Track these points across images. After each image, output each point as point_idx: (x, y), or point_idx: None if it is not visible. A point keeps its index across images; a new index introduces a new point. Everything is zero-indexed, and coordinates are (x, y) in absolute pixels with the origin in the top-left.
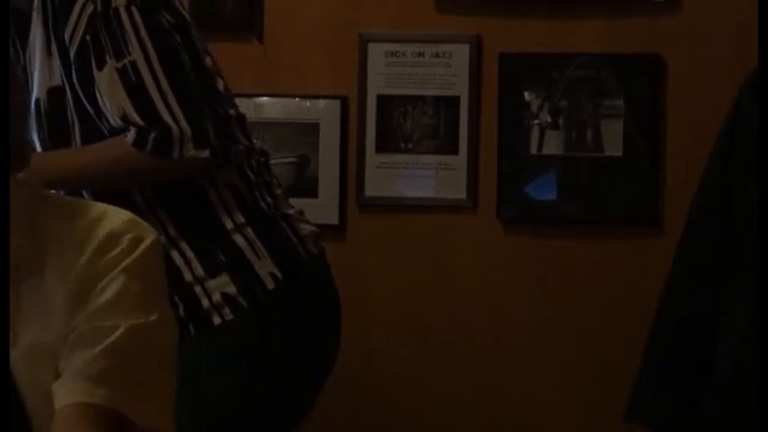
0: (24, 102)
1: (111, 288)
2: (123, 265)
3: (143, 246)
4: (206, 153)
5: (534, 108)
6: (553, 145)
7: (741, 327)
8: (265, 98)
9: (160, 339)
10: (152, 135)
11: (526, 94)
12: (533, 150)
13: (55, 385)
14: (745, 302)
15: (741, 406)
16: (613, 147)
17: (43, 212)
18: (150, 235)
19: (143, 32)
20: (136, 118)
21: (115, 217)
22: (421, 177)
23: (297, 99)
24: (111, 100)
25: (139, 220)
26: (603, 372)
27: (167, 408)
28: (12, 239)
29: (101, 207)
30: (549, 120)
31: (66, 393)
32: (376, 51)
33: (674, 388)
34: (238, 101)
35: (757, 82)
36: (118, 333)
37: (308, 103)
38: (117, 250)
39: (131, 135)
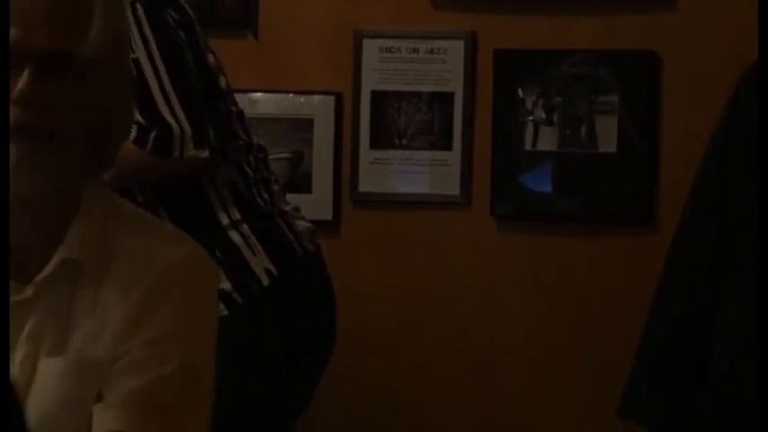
0: (131, 114)
1: (169, 318)
2: (184, 296)
3: (205, 280)
4: (206, 153)
5: (529, 104)
6: (547, 141)
7: (738, 324)
8: (260, 94)
9: (207, 377)
10: (153, 134)
11: (520, 91)
12: (528, 146)
13: (97, 407)
14: (741, 300)
15: (738, 404)
16: (608, 143)
17: (115, 221)
18: (212, 268)
19: (147, 29)
20: (137, 116)
21: (182, 243)
22: (415, 173)
23: (291, 95)
24: None
25: (203, 250)
26: (599, 369)
27: None
28: (80, 242)
29: (169, 230)
30: (544, 116)
31: (109, 418)
32: (371, 47)
33: (669, 385)
34: (234, 96)
35: (757, 80)
36: (170, 367)
37: (303, 99)
38: (180, 280)
39: (132, 133)
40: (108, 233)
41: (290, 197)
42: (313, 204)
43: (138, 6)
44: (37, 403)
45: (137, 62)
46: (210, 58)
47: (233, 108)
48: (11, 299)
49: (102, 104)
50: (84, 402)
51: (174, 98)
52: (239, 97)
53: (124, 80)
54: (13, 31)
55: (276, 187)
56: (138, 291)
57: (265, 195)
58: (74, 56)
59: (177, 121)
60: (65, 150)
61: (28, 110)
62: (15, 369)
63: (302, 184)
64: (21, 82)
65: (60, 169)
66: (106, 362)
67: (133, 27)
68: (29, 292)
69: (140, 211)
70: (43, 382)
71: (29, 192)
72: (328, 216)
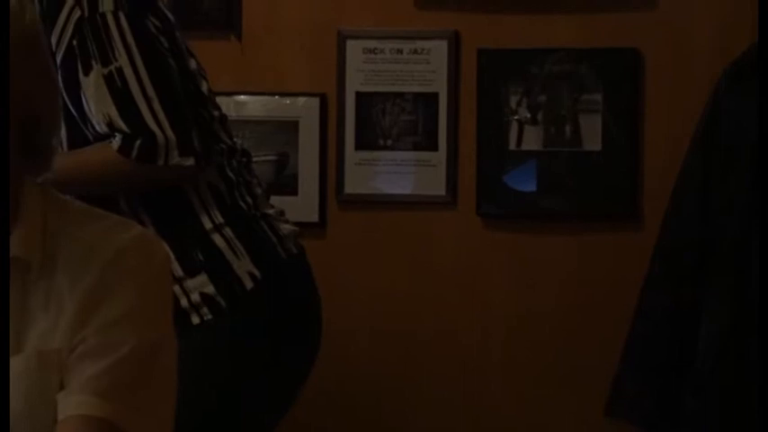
0: (55, 105)
1: (121, 302)
2: (134, 279)
3: (154, 261)
4: (191, 161)
5: (513, 104)
6: (532, 140)
7: (722, 320)
8: (244, 96)
9: (166, 357)
10: (137, 142)
11: (505, 90)
12: (512, 146)
13: (60, 395)
14: (725, 296)
15: (724, 400)
16: (592, 141)
17: (57, 216)
18: (161, 251)
19: (129, 39)
20: (121, 125)
21: (128, 230)
22: (400, 174)
23: (275, 97)
24: (97, 106)
25: (151, 234)
26: (589, 367)
27: (168, 427)
28: (24, 240)
29: (114, 218)
30: (528, 115)
31: (72, 405)
32: (354, 48)
33: (655, 382)
34: (218, 99)
35: (757, 80)
36: (126, 348)
37: (287, 101)
38: (129, 264)
39: (117, 142)
40: (52, 229)
41: (275, 199)
42: (299, 206)
43: (121, 15)
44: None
45: (120, 71)
46: (192, 63)
47: (215, 113)
48: None
49: (19, 104)
50: (49, 394)
51: (158, 106)
52: (223, 100)
53: (41, 79)
54: None
55: (259, 190)
56: (87, 279)
57: (248, 198)
58: None
59: (161, 129)
60: None
61: None
62: None
63: (288, 185)
64: None
65: None
66: (64, 352)
67: (116, 36)
68: None
69: (83, 206)
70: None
71: None
72: (314, 218)
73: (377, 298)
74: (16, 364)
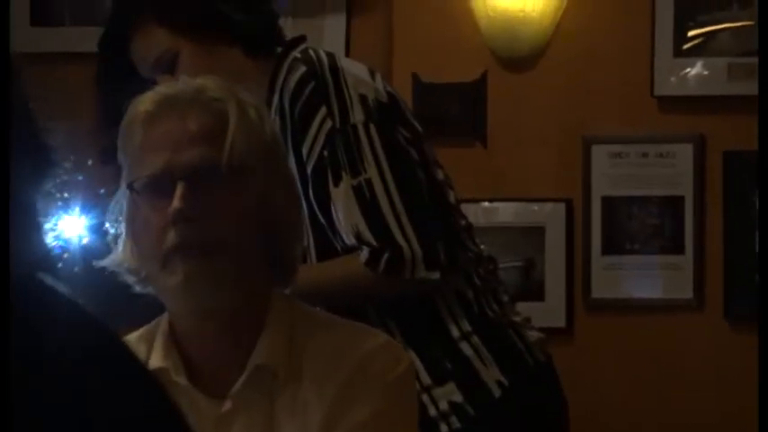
0: (297, 215)
1: (368, 407)
2: (380, 385)
3: (399, 369)
4: (436, 275)
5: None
6: None
7: None
8: (489, 203)
9: None
10: (385, 256)
11: (752, 192)
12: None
13: None
14: None
15: None
16: None
17: (304, 326)
18: (406, 359)
19: (379, 150)
20: (369, 238)
21: (373, 337)
22: (647, 277)
23: (522, 203)
24: (346, 218)
25: (395, 342)
26: None
27: None
28: (271, 349)
29: (359, 326)
30: None
31: None
32: (599, 153)
33: None
34: (463, 206)
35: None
36: None
37: (535, 207)
38: (375, 370)
39: (364, 254)
40: (298, 337)
41: (522, 305)
42: (546, 311)
43: (372, 126)
44: None
45: (369, 183)
46: (440, 173)
47: (462, 222)
48: (210, 415)
49: (261, 210)
50: None
51: (405, 220)
52: (470, 206)
53: (281, 187)
54: (162, 155)
55: (506, 297)
56: (334, 385)
57: (495, 306)
58: (217, 166)
59: (409, 243)
60: (238, 260)
61: (189, 225)
62: None
63: (534, 291)
64: (175, 201)
65: (239, 280)
66: None
67: (366, 147)
68: (228, 405)
69: (326, 314)
70: None
71: (213, 306)
72: (561, 323)
73: (625, 403)
74: None
